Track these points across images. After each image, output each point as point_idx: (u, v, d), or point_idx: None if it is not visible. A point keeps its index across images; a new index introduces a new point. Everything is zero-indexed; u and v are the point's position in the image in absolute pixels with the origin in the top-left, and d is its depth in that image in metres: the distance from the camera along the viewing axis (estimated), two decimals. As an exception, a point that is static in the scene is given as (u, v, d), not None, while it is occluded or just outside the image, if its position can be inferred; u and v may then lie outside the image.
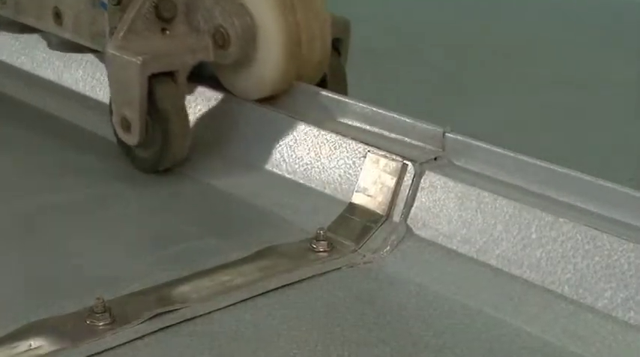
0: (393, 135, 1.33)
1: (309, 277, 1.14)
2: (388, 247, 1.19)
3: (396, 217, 1.22)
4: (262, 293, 1.09)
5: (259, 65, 1.41)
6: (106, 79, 1.42)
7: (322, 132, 1.35)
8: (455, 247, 1.17)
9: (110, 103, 1.41)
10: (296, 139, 1.37)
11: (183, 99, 1.40)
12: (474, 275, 1.13)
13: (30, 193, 1.36)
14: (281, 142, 1.39)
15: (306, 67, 1.44)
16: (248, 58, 1.41)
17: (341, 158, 1.31)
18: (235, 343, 1.00)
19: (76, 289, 1.08)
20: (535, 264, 1.10)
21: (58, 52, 1.68)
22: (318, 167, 1.34)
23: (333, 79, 1.52)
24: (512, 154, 1.21)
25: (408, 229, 1.21)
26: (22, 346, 0.97)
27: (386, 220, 1.23)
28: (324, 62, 1.47)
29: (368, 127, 1.36)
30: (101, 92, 1.64)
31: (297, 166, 1.36)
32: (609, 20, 2.66)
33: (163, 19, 1.39)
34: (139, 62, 1.33)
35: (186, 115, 1.39)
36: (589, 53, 2.33)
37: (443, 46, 2.35)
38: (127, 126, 1.38)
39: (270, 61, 1.40)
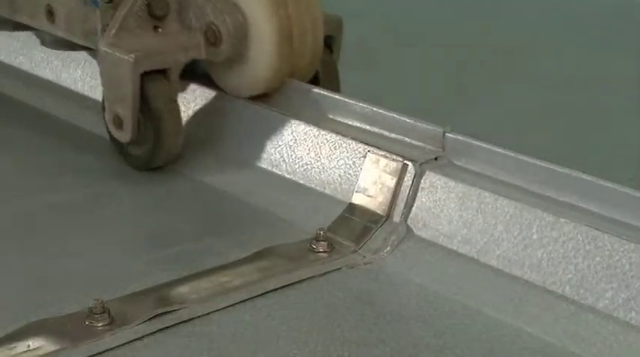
0: (393, 135, 1.33)
1: (308, 278, 1.13)
2: (388, 248, 1.19)
3: (397, 218, 1.22)
4: (262, 294, 1.09)
5: (251, 63, 1.41)
6: (105, 79, 1.42)
7: (322, 132, 1.34)
8: (455, 248, 1.16)
9: (103, 100, 1.41)
10: (295, 139, 1.37)
11: (175, 97, 1.39)
12: (474, 276, 1.12)
13: (29, 193, 1.36)
14: (278, 141, 1.38)
15: (298, 61, 1.43)
16: (240, 56, 1.41)
17: (341, 158, 1.31)
18: (234, 344, 1.00)
19: (76, 290, 1.08)
20: (536, 264, 1.09)
21: (57, 52, 1.68)
22: (317, 167, 1.33)
23: (325, 76, 1.52)
24: (512, 154, 1.20)
25: (409, 230, 1.20)
26: (21, 346, 0.97)
27: (386, 220, 1.22)
28: (316, 57, 1.46)
29: (368, 127, 1.36)
30: (100, 92, 1.63)
31: (296, 166, 1.36)
32: (609, 20, 2.66)
33: (155, 17, 1.39)
34: (131, 60, 1.33)
35: (178, 113, 1.39)
36: (589, 53, 2.32)
37: (443, 46, 2.34)
38: (119, 123, 1.38)
39: (262, 58, 1.40)
